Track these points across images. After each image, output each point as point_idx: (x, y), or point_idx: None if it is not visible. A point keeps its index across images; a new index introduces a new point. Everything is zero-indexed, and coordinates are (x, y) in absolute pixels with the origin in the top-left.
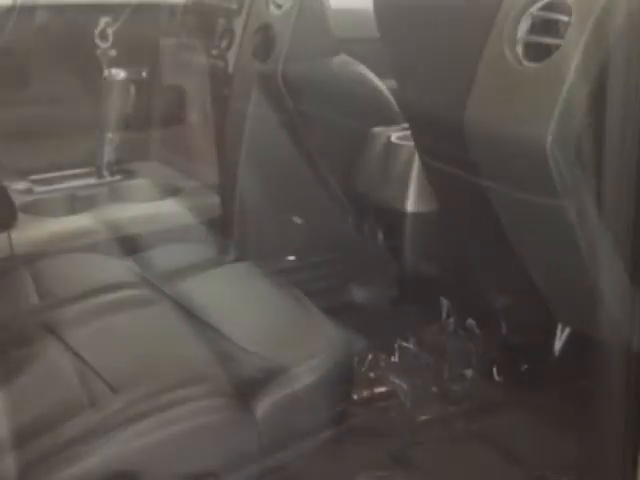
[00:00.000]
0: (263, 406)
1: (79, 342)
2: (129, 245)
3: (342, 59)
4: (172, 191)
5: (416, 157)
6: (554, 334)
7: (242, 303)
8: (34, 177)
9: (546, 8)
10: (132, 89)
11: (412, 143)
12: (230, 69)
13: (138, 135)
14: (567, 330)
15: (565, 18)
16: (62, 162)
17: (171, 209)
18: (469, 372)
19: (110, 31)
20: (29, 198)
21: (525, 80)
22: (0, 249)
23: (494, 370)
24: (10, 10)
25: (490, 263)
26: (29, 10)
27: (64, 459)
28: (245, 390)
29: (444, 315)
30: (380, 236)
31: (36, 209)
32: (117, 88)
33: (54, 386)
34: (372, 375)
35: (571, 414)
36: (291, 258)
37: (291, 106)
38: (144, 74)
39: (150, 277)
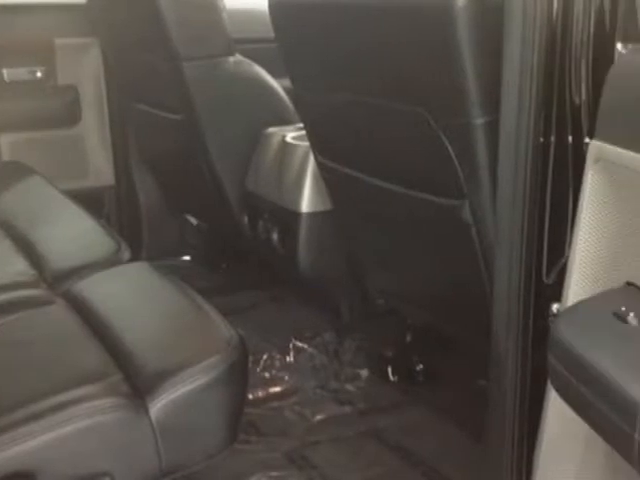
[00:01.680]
0: (158, 405)
1: None
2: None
3: (237, 59)
4: None
5: (311, 157)
6: (449, 334)
7: (137, 303)
8: None
9: None
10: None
11: (307, 143)
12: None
13: None
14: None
15: None
16: None
17: None
18: (364, 372)
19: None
20: None
21: None
22: None
23: (389, 370)
24: None
25: (386, 263)
26: None
27: None
28: (140, 389)
29: (339, 315)
30: (275, 236)
31: None
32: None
33: None
34: (267, 375)
35: (466, 413)
36: (186, 258)
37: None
38: (39, 74)
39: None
